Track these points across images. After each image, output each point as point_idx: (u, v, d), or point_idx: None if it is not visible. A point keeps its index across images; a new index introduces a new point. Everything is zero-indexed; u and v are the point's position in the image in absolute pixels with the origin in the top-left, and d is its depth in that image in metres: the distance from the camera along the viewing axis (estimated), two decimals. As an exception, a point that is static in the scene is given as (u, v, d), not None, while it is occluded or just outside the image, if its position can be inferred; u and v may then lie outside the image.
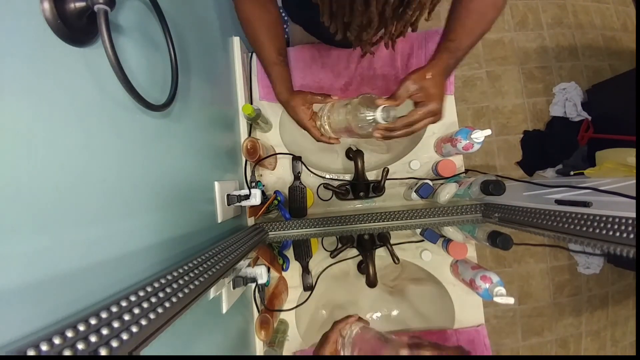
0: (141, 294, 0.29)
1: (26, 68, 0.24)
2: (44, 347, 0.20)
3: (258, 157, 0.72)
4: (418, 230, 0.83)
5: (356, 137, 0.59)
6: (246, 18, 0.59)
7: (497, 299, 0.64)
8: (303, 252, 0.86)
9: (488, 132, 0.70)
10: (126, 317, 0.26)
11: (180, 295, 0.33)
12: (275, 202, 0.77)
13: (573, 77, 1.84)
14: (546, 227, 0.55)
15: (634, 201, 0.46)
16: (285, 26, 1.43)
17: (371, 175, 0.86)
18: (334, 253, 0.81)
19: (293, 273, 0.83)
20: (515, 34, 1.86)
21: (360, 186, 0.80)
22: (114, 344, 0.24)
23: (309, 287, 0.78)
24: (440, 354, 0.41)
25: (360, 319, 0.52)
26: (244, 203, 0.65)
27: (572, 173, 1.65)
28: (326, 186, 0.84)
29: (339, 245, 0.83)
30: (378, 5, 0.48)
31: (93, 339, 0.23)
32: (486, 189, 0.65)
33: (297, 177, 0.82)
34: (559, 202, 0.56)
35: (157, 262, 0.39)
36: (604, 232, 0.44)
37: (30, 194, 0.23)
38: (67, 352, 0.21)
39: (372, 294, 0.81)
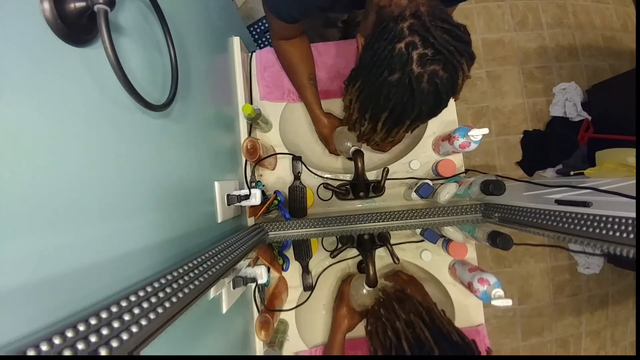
0: (141, 294, 0.29)
1: (26, 68, 0.24)
2: (44, 347, 0.20)
3: (258, 157, 0.72)
4: (418, 230, 0.83)
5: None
6: (283, 51, 0.73)
7: (495, 302, 0.63)
8: (303, 252, 0.86)
9: (485, 130, 0.70)
10: (126, 317, 0.26)
11: (180, 295, 0.33)
12: (275, 202, 0.77)
13: (573, 77, 1.84)
14: (546, 227, 0.55)
15: (634, 201, 0.46)
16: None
17: (371, 175, 0.86)
18: (334, 253, 0.81)
19: (293, 273, 0.83)
20: (515, 34, 1.86)
21: (360, 186, 0.80)
22: (114, 344, 0.24)
23: (309, 287, 0.78)
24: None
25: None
26: (244, 203, 0.65)
27: (572, 173, 1.65)
28: (326, 186, 0.83)
29: (339, 245, 0.83)
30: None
31: (93, 339, 0.23)
32: (486, 189, 0.65)
33: (297, 177, 0.82)
34: (559, 202, 0.56)
35: (157, 262, 0.39)
36: (604, 232, 0.44)
37: (30, 194, 0.23)
38: (67, 352, 0.21)
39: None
